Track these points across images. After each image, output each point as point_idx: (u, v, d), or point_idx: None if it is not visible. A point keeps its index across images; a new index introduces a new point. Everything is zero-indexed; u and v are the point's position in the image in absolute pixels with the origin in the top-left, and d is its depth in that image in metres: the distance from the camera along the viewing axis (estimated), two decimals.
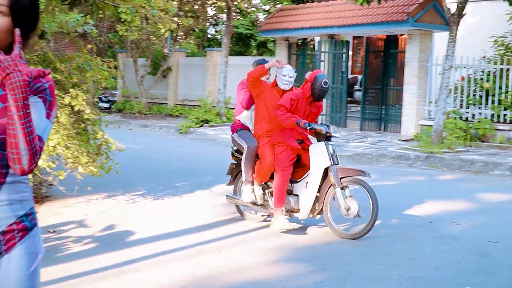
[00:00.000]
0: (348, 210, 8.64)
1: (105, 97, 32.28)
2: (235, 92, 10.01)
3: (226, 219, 9.77)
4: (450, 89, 19.38)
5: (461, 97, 19.89)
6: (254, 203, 9.39)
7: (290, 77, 9.36)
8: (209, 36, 40.06)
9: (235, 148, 9.76)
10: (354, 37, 30.22)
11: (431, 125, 18.62)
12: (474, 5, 22.38)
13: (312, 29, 23.62)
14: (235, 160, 9.83)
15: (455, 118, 18.84)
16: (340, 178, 8.69)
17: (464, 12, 17.66)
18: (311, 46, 25.14)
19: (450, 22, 17.73)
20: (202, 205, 10.60)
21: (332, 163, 8.78)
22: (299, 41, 25.22)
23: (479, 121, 18.58)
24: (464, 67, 19.92)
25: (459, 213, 10.51)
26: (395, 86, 21.96)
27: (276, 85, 9.51)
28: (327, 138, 9.01)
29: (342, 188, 8.72)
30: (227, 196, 9.86)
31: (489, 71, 19.54)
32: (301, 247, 8.28)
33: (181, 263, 7.49)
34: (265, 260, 7.66)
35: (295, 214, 9.18)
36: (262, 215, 9.67)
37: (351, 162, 16.02)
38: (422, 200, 11.37)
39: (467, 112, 19.55)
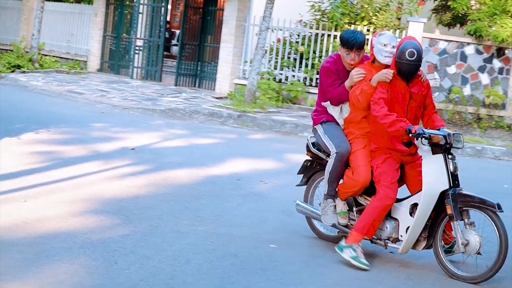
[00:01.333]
0: (466, 245, 6.56)
1: None
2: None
3: (33, 168, 9.47)
4: (266, 50, 19.63)
5: (276, 58, 20.18)
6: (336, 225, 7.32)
7: (393, 46, 6.92)
8: None
9: (312, 140, 7.57)
10: None
11: (245, 85, 18.80)
12: None
13: None
14: (310, 155, 7.66)
15: (268, 79, 19.11)
16: (460, 208, 6.61)
17: None
18: None
19: None
20: (9, 153, 10.23)
21: (451, 185, 6.66)
22: None
23: (291, 84, 18.94)
24: (281, 29, 20.20)
25: (267, 172, 10.72)
26: (212, 43, 22.00)
27: (374, 60, 7.14)
28: (446, 149, 6.71)
29: (461, 219, 6.66)
30: (297, 204, 7.71)
31: (305, 35, 19.92)
32: (108, 200, 8.18)
33: None
34: (71, 211, 7.52)
35: (392, 244, 7.00)
36: (342, 236, 7.29)
37: (164, 117, 15.99)
38: (231, 158, 11.51)
39: (281, 74, 19.86)
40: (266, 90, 18.35)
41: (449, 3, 18.76)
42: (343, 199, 7.16)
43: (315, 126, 7.49)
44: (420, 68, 6.98)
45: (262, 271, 6.38)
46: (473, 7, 18.85)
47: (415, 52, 6.71)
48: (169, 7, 26.45)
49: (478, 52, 18.52)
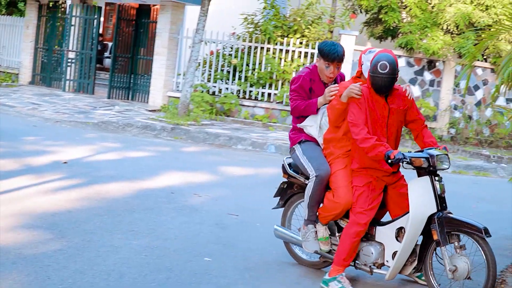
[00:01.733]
0: (454, 272, 6.22)
1: None
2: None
3: None
4: (199, 62, 19.67)
5: (210, 71, 20.23)
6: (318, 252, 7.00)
7: None
8: None
9: (289, 161, 7.25)
10: (107, 3, 29.87)
11: (178, 97, 18.80)
12: None
13: None
14: (286, 177, 7.31)
15: (202, 92, 19.14)
16: (447, 232, 6.27)
17: None
18: (63, 9, 24.52)
19: None
20: None
21: (439, 209, 6.32)
22: (51, 3, 24.54)
23: (225, 96, 18.99)
24: (214, 42, 20.26)
25: (201, 185, 10.72)
26: (145, 56, 21.92)
27: (360, 76, 6.87)
28: (430, 171, 6.37)
29: (449, 243, 6.33)
30: (275, 229, 7.37)
31: (238, 48, 20.01)
32: (41, 214, 8.10)
33: None
34: (3, 226, 7.42)
35: (378, 270, 6.71)
36: (324, 261, 7.12)
37: (97, 130, 15.88)
38: (165, 171, 11.48)
39: (215, 87, 19.91)
40: (200, 102, 18.37)
41: (380, 16, 19.07)
42: (324, 223, 6.83)
43: (293, 146, 7.09)
44: (408, 86, 6.75)
45: (196, 284, 6.39)
46: (404, 20, 19.19)
47: (388, 65, 6.33)
48: (102, 19, 26.25)
49: (409, 64, 18.86)
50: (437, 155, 6.28)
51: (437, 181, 6.34)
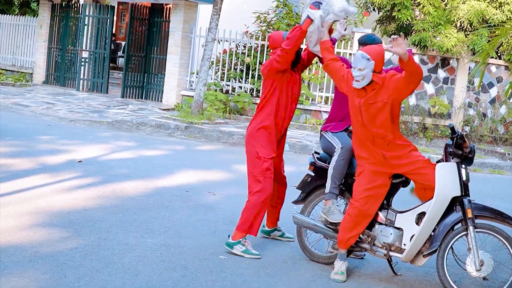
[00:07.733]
0: (482, 265, 6.26)
1: None
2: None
3: None
4: (212, 61, 19.70)
5: (223, 70, 20.26)
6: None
7: (360, 69, 6.82)
8: None
9: (318, 155, 7.47)
10: (119, 3, 29.91)
11: (192, 96, 18.84)
12: None
13: None
14: (312, 170, 7.46)
15: (215, 90, 19.16)
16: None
17: None
18: (76, 9, 24.58)
19: None
20: None
21: (463, 194, 6.48)
22: (64, 3, 24.60)
23: (238, 95, 19.01)
24: (227, 41, 20.28)
25: (215, 184, 10.75)
26: (158, 55, 21.95)
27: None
28: (462, 157, 6.60)
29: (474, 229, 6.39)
30: (294, 216, 7.41)
31: (251, 46, 20.02)
32: (57, 213, 8.13)
33: None
34: (19, 225, 7.46)
35: (394, 253, 6.81)
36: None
37: (111, 129, 15.92)
38: (179, 170, 11.51)
39: (228, 85, 19.94)
40: (213, 101, 18.39)
41: (393, 14, 19.00)
42: (344, 248, 6.90)
43: (321, 132, 7.41)
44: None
45: (212, 282, 6.40)
46: (418, 18, 19.12)
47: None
48: (115, 18, 26.26)
49: (423, 62, 18.79)
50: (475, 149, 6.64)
51: (463, 168, 6.55)
